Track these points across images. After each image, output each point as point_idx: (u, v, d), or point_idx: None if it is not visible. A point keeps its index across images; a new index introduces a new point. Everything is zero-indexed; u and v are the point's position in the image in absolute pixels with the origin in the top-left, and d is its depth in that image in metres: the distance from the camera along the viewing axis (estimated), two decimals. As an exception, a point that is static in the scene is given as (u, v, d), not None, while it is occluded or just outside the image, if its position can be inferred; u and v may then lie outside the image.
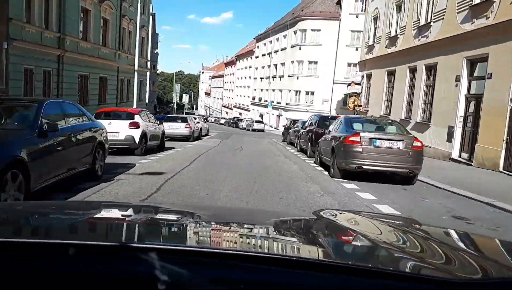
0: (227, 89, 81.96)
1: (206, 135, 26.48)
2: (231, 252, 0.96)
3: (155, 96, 73.27)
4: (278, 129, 47.59)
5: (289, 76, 45.88)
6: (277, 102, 48.13)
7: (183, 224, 1.42)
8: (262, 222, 1.56)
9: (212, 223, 1.48)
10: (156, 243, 1.02)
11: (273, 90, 51.57)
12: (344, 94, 40.11)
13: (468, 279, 0.89)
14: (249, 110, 62.80)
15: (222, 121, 63.47)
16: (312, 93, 43.64)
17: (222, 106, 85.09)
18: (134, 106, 18.94)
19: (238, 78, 72.42)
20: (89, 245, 0.90)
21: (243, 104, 67.35)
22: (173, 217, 1.58)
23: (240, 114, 66.78)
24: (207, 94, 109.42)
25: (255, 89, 60.68)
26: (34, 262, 0.81)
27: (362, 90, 25.14)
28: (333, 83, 42.45)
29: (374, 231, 1.48)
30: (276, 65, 51.25)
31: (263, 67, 57.19)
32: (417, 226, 1.69)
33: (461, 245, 1.38)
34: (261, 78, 57.39)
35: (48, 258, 0.82)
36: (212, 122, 70.84)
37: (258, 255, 0.93)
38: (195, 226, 1.38)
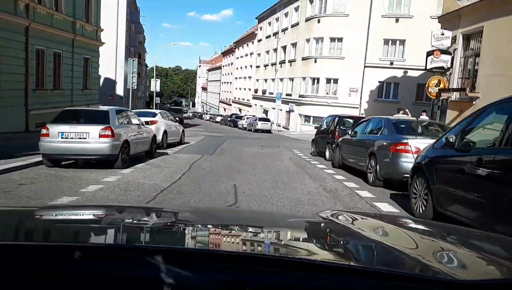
0: (225, 82, 70.85)
1: (180, 143, 15.55)
2: (235, 253, 0.95)
3: (144, 90, 62.33)
4: (288, 129, 36.60)
5: (304, 59, 34.77)
6: (287, 95, 37.08)
7: (187, 226, 1.40)
8: (267, 224, 1.55)
9: (217, 224, 1.45)
10: (160, 245, 1.03)
11: (281, 79, 40.52)
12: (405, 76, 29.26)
13: (474, 280, 0.88)
14: (250, 106, 51.80)
15: (218, 118, 52.48)
16: (336, 80, 32.51)
17: (220, 101, 74.02)
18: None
19: (237, 68, 61.32)
20: (92, 247, 0.90)
21: (243, 99, 56.35)
22: (176, 219, 1.54)
23: (240, 110, 55.85)
24: (204, 89, 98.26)
25: (257, 80, 49.62)
26: (36, 264, 0.80)
27: (453, 62, 14.09)
28: (364, 66, 31.41)
29: (378, 232, 1.44)
30: (284, 47, 40.16)
31: (267, 52, 46.09)
32: (423, 227, 1.68)
33: (468, 245, 1.34)
34: (265, 66, 46.30)
35: (50, 260, 0.81)
36: (207, 120, 60.15)
37: (263, 257, 0.92)
38: (200, 228, 1.37)
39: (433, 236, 1.42)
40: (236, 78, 61.37)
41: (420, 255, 1.09)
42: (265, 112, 44.64)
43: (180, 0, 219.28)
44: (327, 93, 32.90)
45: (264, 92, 45.81)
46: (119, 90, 42.06)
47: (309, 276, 0.78)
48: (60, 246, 0.90)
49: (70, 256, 0.79)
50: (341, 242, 1.28)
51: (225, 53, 72.93)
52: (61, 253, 0.83)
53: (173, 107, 47.13)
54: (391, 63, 30.82)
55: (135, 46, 48.43)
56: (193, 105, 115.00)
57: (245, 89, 55.72)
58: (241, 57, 59.17)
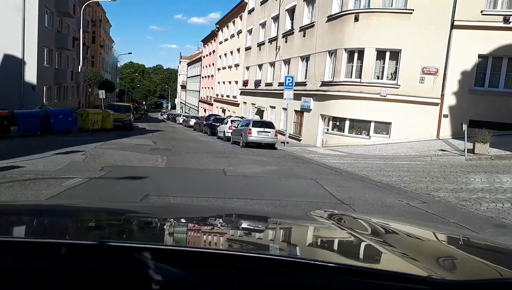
0: (205, 76, 55.83)
1: None
2: (225, 252, 0.95)
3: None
4: (300, 140, 21.80)
5: (331, 19, 20.09)
6: (296, 84, 22.22)
7: (177, 223, 1.39)
8: (256, 223, 1.55)
9: (208, 223, 1.45)
10: (148, 242, 1.01)
11: (286, 61, 25.79)
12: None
13: (464, 280, 0.88)
14: (237, 104, 36.97)
15: (192, 122, 37.47)
16: (395, 54, 17.82)
17: (199, 101, 58.97)
18: None
19: (220, 56, 46.41)
20: (80, 244, 0.89)
21: (227, 96, 41.47)
22: (166, 217, 1.51)
23: (224, 111, 40.96)
24: (183, 87, 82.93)
25: (247, 68, 34.88)
26: (19, 261, 0.79)
27: None
28: (452, 27, 16.83)
29: (368, 232, 1.43)
30: (292, 10, 25.49)
31: (262, 25, 31.34)
32: (414, 227, 1.70)
33: (457, 246, 1.35)
34: (260, 45, 31.53)
35: (34, 257, 0.80)
36: (180, 124, 45.14)
37: (251, 256, 0.93)
38: (190, 226, 1.36)
39: (423, 236, 1.42)
40: (219, 69, 46.44)
41: (409, 255, 1.09)
42: (260, 112, 29.83)
43: (167, 2, 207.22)
44: (378, 77, 18.19)
45: (257, 83, 31.00)
46: (30, 76, 26.71)
47: (300, 275, 0.77)
48: (43, 243, 0.88)
49: (55, 253, 0.77)
50: (332, 241, 1.28)
51: (206, 40, 57.86)
52: (44, 250, 0.81)
53: (116, 103, 31.95)
54: (506, 20, 16.32)
55: (69, 15, 33.01)
56: (173, 107, 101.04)
57: (230, 82, 40.84)
58: (225, 40, 44.26)
